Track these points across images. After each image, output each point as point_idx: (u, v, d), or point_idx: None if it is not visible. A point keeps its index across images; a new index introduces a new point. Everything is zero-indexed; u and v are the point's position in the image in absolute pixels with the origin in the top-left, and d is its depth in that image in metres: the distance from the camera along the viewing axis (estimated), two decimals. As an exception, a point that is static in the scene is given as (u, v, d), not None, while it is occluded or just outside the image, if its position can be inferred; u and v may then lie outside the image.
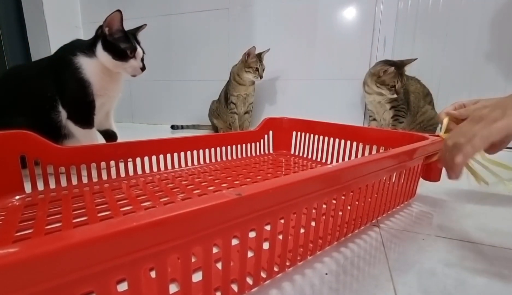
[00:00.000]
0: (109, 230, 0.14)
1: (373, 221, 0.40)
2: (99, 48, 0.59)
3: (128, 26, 0.67)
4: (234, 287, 0.25)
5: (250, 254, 0.25)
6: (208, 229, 0.19)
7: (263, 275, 0.27)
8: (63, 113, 0.59)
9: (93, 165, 0.51)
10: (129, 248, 0.15)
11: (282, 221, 0.26)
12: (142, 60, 0.65)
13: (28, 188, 0.45)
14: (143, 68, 0.65)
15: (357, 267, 0.30)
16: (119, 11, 0.58)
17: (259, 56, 1.08)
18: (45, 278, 0.13)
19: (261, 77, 1.08)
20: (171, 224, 0.17)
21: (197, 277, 0.25)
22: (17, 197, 0.43)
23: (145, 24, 0.69)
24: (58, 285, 0.13)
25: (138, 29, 0.68)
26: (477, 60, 1.01)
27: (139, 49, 0.64)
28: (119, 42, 0.60)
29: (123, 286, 0.24)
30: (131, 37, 0.63)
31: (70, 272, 0.13)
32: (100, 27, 0.60)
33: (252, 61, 1.06)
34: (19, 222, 0.36)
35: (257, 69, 1.06)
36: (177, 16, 1.34)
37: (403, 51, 1.08)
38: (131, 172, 0.55)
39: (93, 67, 0.59)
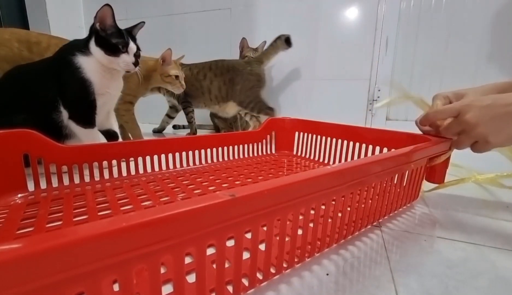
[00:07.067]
0: (98, 231, 0.14)
1: (375, 223, 0.40)
2: (92, 44, 0.59)
3: (129, 26, 0.67)
4: (230, 288, 0.25)
5: (246, 255, 0.25)
6: (201, 230, 0.19)
7: (259, 276, 0.26)
8: (65, 113, 0.59)
9: (95, 164, 0.51)
10: (119, 248, 0.15)
11: (279, 222, 0.25)
12: (135, 56, 0.64)
13: (31, 186, 0.45)
14: (135, 63, 0.64)
15: (358, 268, 0.30)
16: (108, 5, 0.58)
17: (256, 49, 1.11)
18: (32, 278, 0.13)
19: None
20: (162, 224, 0.16)
21: (193, 278, 0.25)
22: (20, 196, 0.44)
23: (143, 22, 0.69)
24: (45, 285, 0.13)
25: (135, 27, 0.68)
26: (479, 60, 1.00)
27: (131, 45, 0.63)
28: (111, 37, 0.60)
29: (116, 286, 0.24)
30: (124, 33, 0.63)
31: (58, 272, 0.13)
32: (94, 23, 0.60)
33: (247, 50, 1.09)
34: (21, 220, 0.37)
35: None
36: (179, 16, 1.35)
37: (406, 51, 1.08)
38: (132, 172, 0.55)
39: (93, 65, 0.59)
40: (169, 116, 1.22)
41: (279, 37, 1.01)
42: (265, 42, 1.12)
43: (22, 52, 0.67)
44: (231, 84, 1.02)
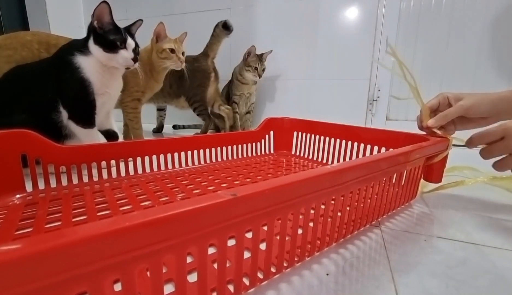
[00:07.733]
0: (101, 230, 0.14)
1: (374, 222, 0.40)
2: (91, 43, 0.59)
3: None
4: (231, 287, 0.25)
5: (247, 254, 0.25)
6: (203, 229, 0.19)
7: (260, 276, 0.26)
8: (64, 114, 0.59)
9: (94, 164, 0.51)
10: (121, 248, 0.15)
11: (279, 221, 0.25)
12: (134, 51, 0.64)
13: (29, 187, 0.45)
14: (134, 59, 0.64)
15: (358, 268, 0.30)
16: (105, 2, 0.58)
17: (260, 57, 1.09)
18: (33, 278, 0.13)
19: (260, 76, 1.09)
20: (164, 224, 0.16)
21: (194, 277, 0.25)
22: (18, 196, 0.43)
23: (141, 20, 0.69)
24: (46, 286, 0.13)
25: (133, 24, 0.67)
26: (479, 60, 1.00)
27: (130, 40, 0.63)
28: (108, 34, 0.60)
29: (117, 286, 0.24)
30: (122, 29, 0.62)
31: (59, 272, 0.13)
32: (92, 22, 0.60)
33: (252, 60, 1.08)
34: (20, 220, 0.36)
35: (256, 68, 1.08)
36: (179, 16, 1.35)
37: (405, 51, 1.08)
38: (131, 172, 0.55)
39: (92, 65, 0.59)
40: (160, 110, 1.23)
41: (216, 25, 1.01)
42: (271, 51, 1.12)
43: (41, 54, 0.67)
44: (180, 80, 1.03)
